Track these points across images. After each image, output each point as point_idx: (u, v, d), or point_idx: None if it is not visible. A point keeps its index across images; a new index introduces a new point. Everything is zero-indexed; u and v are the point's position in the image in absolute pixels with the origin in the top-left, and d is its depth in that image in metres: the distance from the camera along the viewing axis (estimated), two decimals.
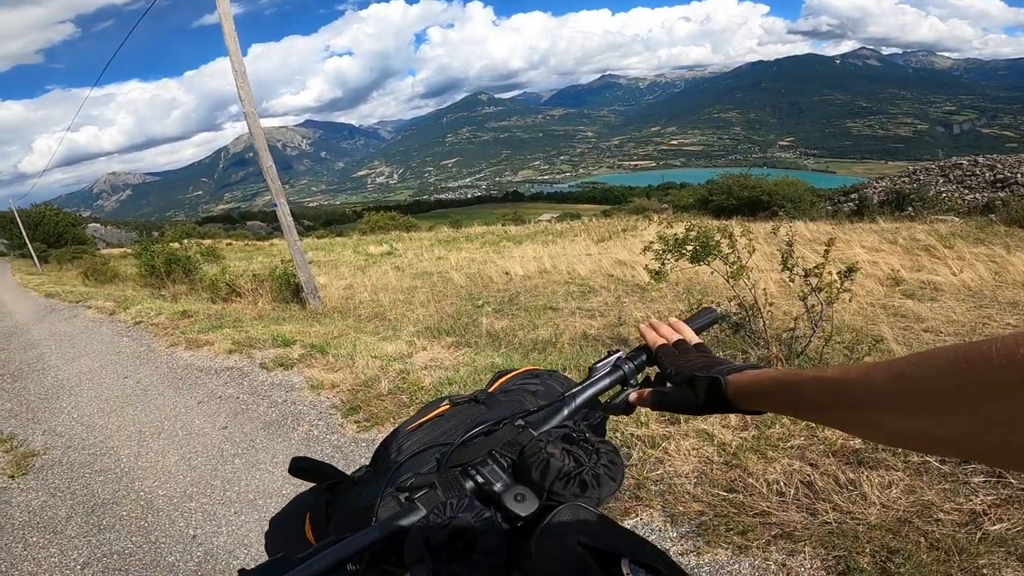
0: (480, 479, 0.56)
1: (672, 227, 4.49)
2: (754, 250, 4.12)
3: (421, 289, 8.67)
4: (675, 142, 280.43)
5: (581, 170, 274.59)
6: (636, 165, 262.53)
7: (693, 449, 2.27)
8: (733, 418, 2.53)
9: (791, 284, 3.63)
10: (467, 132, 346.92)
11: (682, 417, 2.59)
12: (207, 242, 18.21)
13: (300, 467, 0.64)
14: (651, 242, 4.26)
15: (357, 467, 0.72)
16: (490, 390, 0.80)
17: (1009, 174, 15.69)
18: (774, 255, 4.09)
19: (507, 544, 0.50)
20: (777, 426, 2.34)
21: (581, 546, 0.48)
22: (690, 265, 4.28)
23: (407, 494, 0.56)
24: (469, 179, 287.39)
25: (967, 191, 15.48)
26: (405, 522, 0.52)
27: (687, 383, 0.61)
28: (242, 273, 9.64)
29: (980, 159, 17.40)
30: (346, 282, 9.81)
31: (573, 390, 0.70)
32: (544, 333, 5.72)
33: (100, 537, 2.29)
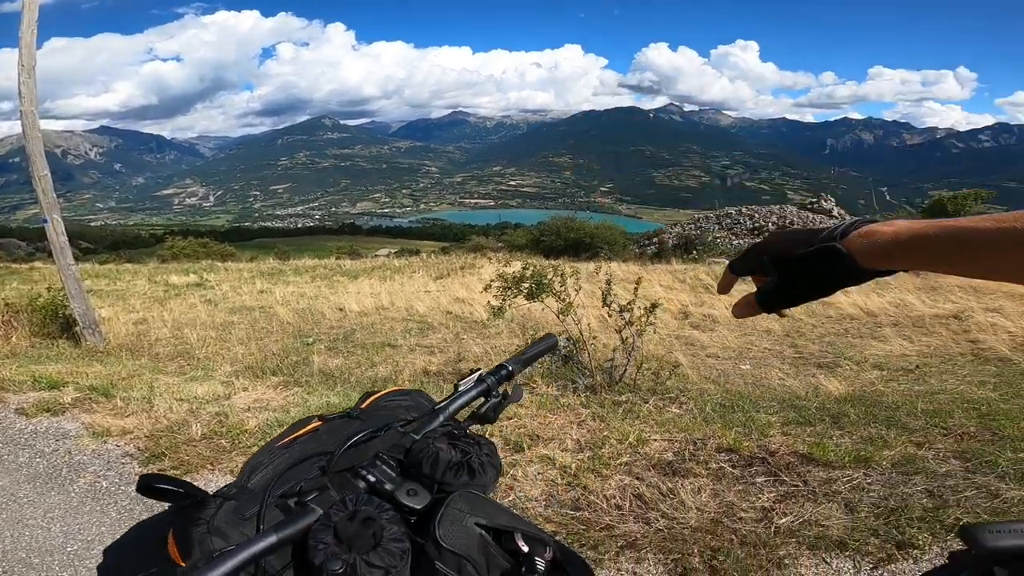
0: (372, 478, 0.58)
1: (509, 266, 4.71)
2: (580, 288, 4.49)
3: (239, 325, 7.66)
4: (513, 183, 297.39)
5: (423, 205, 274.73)
6: (476, 204, 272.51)
7: (538, 474, 2.33)
8: (569, 442, 2.68)
9: (609, 319, 4.06)
10: (304, 157, 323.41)
11: (525, 443, 2.64)
12: None
13: (150, 485, 0.57)
14: (492, 280, 4.41)
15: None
16: (362, 407, 0.80)
17: (763, 222, 20.14)
18: (594, 292, 4.59)
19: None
20: (607, 447, 2.53)
21: (478, 527, 0.54)
22: (526, 302, 4.54)
23: (295, 499, 0.56)
24: (301, 208, 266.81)
25: (734, 236, 19.48)
26: (303, 523, 0.50)
27: (799, 264, 0.51)
28: None
29: (743, 209, 22.15)
30: (138, 316, 8.22)
31: (443, 402, 0.75)
32: (383, 371, 5.46)
33: None
